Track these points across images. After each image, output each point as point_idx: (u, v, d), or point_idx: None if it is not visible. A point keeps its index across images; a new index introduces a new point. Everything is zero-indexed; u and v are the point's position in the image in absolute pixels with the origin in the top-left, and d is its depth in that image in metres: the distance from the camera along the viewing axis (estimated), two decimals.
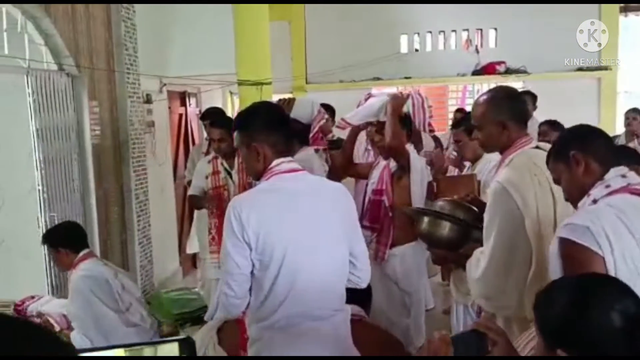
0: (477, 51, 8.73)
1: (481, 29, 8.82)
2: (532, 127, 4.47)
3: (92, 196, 4.59)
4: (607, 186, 1.70)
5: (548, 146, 2.61)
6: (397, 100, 3.53)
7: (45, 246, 3.19)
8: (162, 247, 5.88)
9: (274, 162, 2.00)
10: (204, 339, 2.62)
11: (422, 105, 3.74)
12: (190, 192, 4.27)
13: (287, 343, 1.93)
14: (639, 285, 1.45)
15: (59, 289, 4.15)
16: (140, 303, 3.17)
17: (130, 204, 5.16)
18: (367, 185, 3.81)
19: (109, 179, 4.93)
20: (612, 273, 1.52)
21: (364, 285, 2.21)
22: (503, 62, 8.55)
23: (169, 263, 6.25)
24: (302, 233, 1.93)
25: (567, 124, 4.82)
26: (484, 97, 2.39)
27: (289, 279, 1.91)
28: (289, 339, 1.93)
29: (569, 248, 1.58)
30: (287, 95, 7.06)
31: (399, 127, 3.45)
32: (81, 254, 3.06)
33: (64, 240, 3.07)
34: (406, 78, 8.72)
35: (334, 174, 3.97)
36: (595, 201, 1.69)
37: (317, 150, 4.02)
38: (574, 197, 1.80)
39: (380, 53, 8.65)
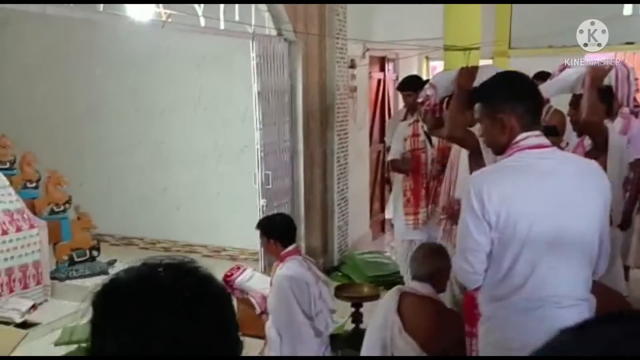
0: None
1: None
2: None
3: (300, 157, 4.83)
4: None
5: None
6: (598, 72, 3.15)
7: (258, 231, 3.33)
8: (356, 209, 6.03)
9: (520, 136, 1.88)
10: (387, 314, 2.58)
11: (627, 77, 3.31)
12: (390, 156, 4.33)
13: (523, 327, 1.82)
14: None
15: None
16: (329, 312, 3.25)
17: (332, 166, 5.34)
18: None
19: (314, 142, 5.13)
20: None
21: (597, 277, 2.02)
22: None
23: (361, 226, 6.41)
24: (548, 213, 1.81)
25: None
26: None
27: (531, 260, 1.82)
28: (527, 323, 1.82)
29: None
30: (487, 62, 6.70)
31: (598, 102, 3.08)
32: (288, 249, 3.20)
33: (276, 233, 3.21)
34: (627, 43, 7.72)
35: None
36: None
37: None
38: None
39: (598, 15, 7.69)
